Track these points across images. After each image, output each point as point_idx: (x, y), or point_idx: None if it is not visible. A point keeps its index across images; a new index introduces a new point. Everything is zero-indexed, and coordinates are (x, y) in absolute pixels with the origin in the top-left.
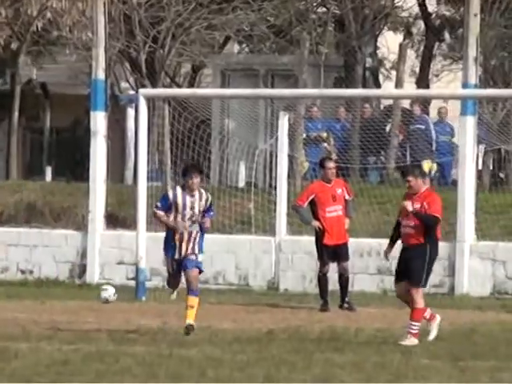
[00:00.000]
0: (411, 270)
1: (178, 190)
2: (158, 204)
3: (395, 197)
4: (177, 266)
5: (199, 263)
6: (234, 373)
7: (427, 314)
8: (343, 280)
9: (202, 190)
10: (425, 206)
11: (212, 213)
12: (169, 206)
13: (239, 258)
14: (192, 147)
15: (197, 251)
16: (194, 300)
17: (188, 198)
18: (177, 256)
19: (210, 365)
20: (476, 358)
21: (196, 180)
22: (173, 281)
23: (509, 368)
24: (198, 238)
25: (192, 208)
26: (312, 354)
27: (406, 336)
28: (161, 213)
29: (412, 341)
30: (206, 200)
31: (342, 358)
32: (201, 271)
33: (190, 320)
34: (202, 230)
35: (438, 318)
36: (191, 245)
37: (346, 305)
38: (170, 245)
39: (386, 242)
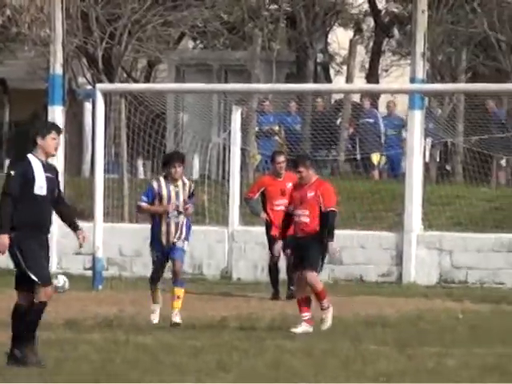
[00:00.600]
0: (308, 257)
1: (162, 180)
2: (143, 197)
3: (345, 189)
4: (162, 262)
5: (184, 253)
6: (188, 359)
7: (326, 302)
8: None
9: (185, 179)
10: (319, 195)
11: (193, 199)
12: (153, 198)
13: (193, 248)
14: (148, 140)
15: (183, 237)
16: (180, 291)
17: (172, 188)
18: (164, 243)
19: (164, 351)
20: (422, 344)
21: (179, 169)
22: (156, 276)
23: (453, 354)
24: (184, 227)
25: (177, 198)
26: (263, 340)
27: (325, 320)
28: (146, 205)
29: (327, 322)
30: (190, 188)
31: (292, 345)
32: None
33: (176, 310)
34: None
35: (331, 308)
36: (179, 232)
37: (289, 291)
38: (156, 242)
39: (336, 232)
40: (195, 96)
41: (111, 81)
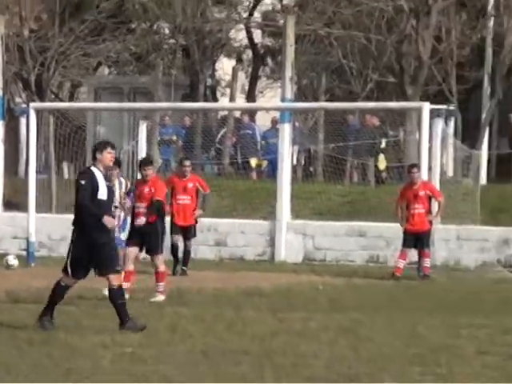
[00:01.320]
0: (152, 243)
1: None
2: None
3: (229, 186)
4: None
5: (123, 242)
6: (110, 322)
7: (162, 287)
8: (186, 252)
9: (122, 179)
10: (152, 190)
11: (131, 195)
12: None
13: None
14: (71, 148)
15: (121, 228)
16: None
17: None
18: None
19: (89, 317)
20: (291, 310)
21: (115, 172)
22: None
23: (316, 318)
24: (122, 219)
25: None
26: (163, 307)
27: (156, 295)
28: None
29: (160, 298)
30: (126, 186)
31: (187, 311)
32: None
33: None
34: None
35: (163, 297)
36: (117, 224)
37: (181, 270)
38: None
39: (221, 221)
40: (109, 113)
41: (42, 100)
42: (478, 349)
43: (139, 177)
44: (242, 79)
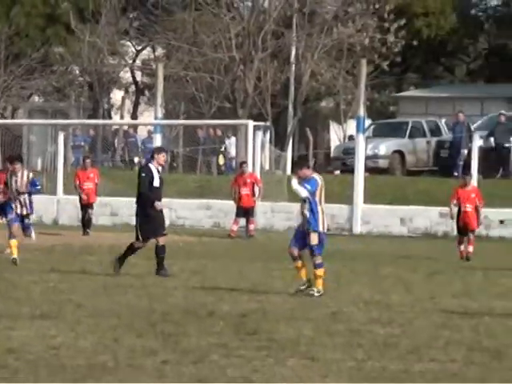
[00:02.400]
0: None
1: (8, 173)
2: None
3: (120, 176)
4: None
5: (32, 225)
6: (36, 266)
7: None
8: (88, 219)
9: (25, 172)
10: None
11: (38, 187)
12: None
13: None
14: (13, 150)
15: (28, 211)
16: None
17: (14, 178)
18: (19, 212)
19: (21, 262)
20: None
21: (18, 165)
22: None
23: (177, 264)
24: (28, 203)
25: (16, 184)
26: (75, 256)
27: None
28: None
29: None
30: (28, 177)
31: (92, 258)
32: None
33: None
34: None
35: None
36: (25, 207)
37: (86, 232)
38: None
39: (115, 199)
40: (39, 126)
41: None
42: (284, 285)
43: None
44: (128, 104)
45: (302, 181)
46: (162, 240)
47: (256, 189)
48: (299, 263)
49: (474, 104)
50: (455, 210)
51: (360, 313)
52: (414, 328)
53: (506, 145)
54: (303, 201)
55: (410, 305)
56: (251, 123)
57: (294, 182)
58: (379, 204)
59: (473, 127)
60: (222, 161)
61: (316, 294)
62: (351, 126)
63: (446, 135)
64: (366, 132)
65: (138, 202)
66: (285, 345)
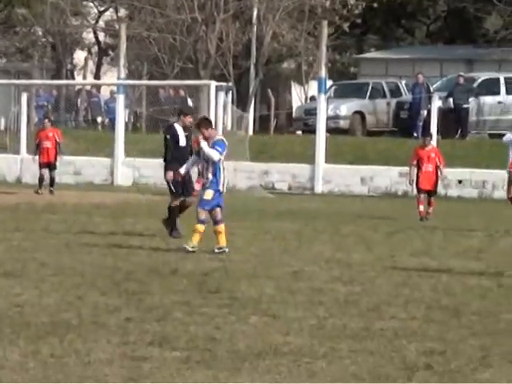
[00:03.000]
0: None
1: None
2: None
3: (83, 135)
4: None
5: None
6: None
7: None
8: (52, 178)
9: None
10: None
11: None
12: None
13: None
14: None
15: None
16: None
17: None
18: None
19: None
20: (125, 217)
21: None
22: None
23: (141, 222)
24: None
25: None
26: (39, 214)
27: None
28: None
29: None
30: None
31: (56, 217)
32: None
33: None
34: None
35: None
36: None
37: (49, 190)
38: None
39: (78, 158)
40: (2, 87)
41: None
42: (246, 243)
43: (22, 130)
44: (91, 65)
45: (211, 143)
46: (188, 202)
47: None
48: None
49: (433, 65)
50: (414, 172)
51: (321, 271)
52: (375, 286)
53: (465, 106)
54: (206, 162)
55: (371, 263)
56: (213, 84)
57: (205, 145)
58: (340, 164)
59: (432, 88)
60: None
61: (189, 249)
62: (312, 87)
63: (406, 96)
64: (328, 93)
65: (165, 161)
66: (247, 303)
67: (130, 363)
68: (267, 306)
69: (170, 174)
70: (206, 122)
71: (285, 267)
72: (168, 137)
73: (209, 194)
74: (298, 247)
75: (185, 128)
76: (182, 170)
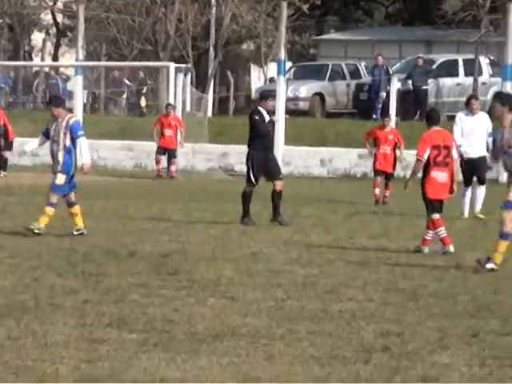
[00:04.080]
0: None
1: None
2: None
3: (40, 116)
4: None
5: None
6: None
7: None
8: (5, 160)
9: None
10: None
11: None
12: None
13: None
14: None
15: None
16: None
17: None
18: None
19: None
20: (84, 199)
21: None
22: None
23: (98, 204)
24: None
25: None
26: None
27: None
28: None
29: None
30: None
31: (11, 199)
32: None
33: None
34: None
35: None
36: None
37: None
38: None
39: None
40: None
41: None
42: (205, 225)
43: None
44: (49, 46)
45: (64, 123)
46: (278, 185)
47: (179, 132)
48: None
49: (392, 47)
50: (369, 146)
51: (280, 253)
52: (333, 268)
53: (424, 87)
54: (57, 144)
55: (329, 245)
56: (172, 65)
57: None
58: (300, 146)
59: (391, 70)
60: (143, 103)
61: (36, 231)
62: (272, 69)
63: (365, 78)
64: (287, 74)
65: (250, 145)
66: (205, 285)
67: (87, 345)
68: (226, 288)
69: None
70: (57, 101)
71: (243, 249)
72: (256, 117)
73: (61, 179)
74: (257, 229)
75: (268, 112)
76: (28, 148)
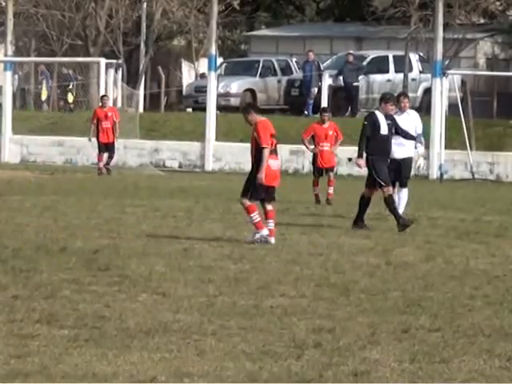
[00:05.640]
0: None
1: None
2: None
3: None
4: None
5: None
6: None
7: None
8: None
9: None
10: None
11: None
12: None
13: None
14: None
15: None
16: None
17: None
18: None
19: None
20: (12, 194)
21: None
22: None
23: (29, 199)
24: None
25: None
26: None
27: None
28: None
29: None
30: None
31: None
32: None
33: None
34: None
35: None
36: None
37: None
38: None
39: None
40: None
41: None
42: (137, 221)
43: None
44: None
45: None
46: (387, 190)
47: (116, 124)
48: None
49: (323, 43)
50: (311, 146)
51: (211, 249)
52: (265, 264)
53: (355, 84)
54: None
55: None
56: (103, 61)
57: None
58: (231, 142)
59: (322, 66)
60: (71, 98)
61: None
62: (203, 65)
63: (297, 74)
64: (218, 70)
65: (368, 151)
66: (136, 280)
67: (17, 341)
68: (157, 283)
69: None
70: None
71: (175, 245)
72: (366, 123)
73: None
74: (189, 225)
75: (386, 116)
76: None
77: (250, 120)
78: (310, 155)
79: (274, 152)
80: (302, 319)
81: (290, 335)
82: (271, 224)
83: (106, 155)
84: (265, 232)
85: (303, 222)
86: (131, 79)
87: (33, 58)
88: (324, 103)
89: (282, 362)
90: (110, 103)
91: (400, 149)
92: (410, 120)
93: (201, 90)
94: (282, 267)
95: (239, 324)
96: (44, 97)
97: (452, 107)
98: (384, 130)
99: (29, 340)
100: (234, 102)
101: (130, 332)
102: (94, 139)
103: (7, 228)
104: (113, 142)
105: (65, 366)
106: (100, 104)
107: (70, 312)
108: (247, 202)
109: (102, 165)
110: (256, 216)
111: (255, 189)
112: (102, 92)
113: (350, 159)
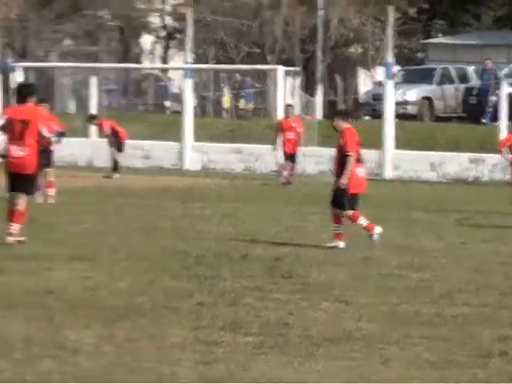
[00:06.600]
0: None
1: None
2: None
3: (152, 118)
4: None
5: None
6: None
7: None
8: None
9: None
10: None
11: None
12: None
13: None
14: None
15: None
16: None
17: None
18: None
19: None
20: (194, 201)
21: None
22: None
23: (209, 206)
24: None
25: None
26: (108, 201)
27: None
28: None
29: None
30: None
31: (131, 200)
32: None
33: None
34: None
35: None
36: None
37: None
38: None
39: (146, 142)
40: (72, 70)
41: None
42: (316, 229)
43: None
44: (159, 49)
45: None
46: None
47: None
48: None
49: (500, 51)
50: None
51: (391, 257)
52: (446, 273)
53: None
54: None
55: (441, 250)
56: (281, 68)
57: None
58: (409, 150)
59: (500, 74)
60: (242, 104)
61: None
62: (379, 73)
63: (474, 82)
64: (395, 78)
65: None
66: (318, 288)
67: (202, 347)
68: (339, 292)
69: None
70: None
71: (355, 253)
72: None
73: None
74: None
75: None
76: None
77: (337, 127)
78: (490, 163)
79: (359, 159)
80: (486, 328)
81: (474, 344)
82: (339, 229)
83: (289, 165)
84: (377, 230)
85: (483, 230)
86: (308, 86)
87: (213, 66)
88: (503, 111)
89: (468, 370)
90: (295, 112)
91: None
92: None
93: (378, 97)
94: (464, 276)
95: (422, 333)
96: (227, 104)
97: None
98: None
99: (214, 347)
100: (411, 110)
101: (314, 340)
102: (279, 152)
103: (189, 235)
104: (295, 154)
105: (251, 373)
106: (284, 115)
107: (253, 319)
108: (347, 213)
109: (286, 174)
110: (363, 220)
111: (341, 197)
112: (280, 100)
113: None
